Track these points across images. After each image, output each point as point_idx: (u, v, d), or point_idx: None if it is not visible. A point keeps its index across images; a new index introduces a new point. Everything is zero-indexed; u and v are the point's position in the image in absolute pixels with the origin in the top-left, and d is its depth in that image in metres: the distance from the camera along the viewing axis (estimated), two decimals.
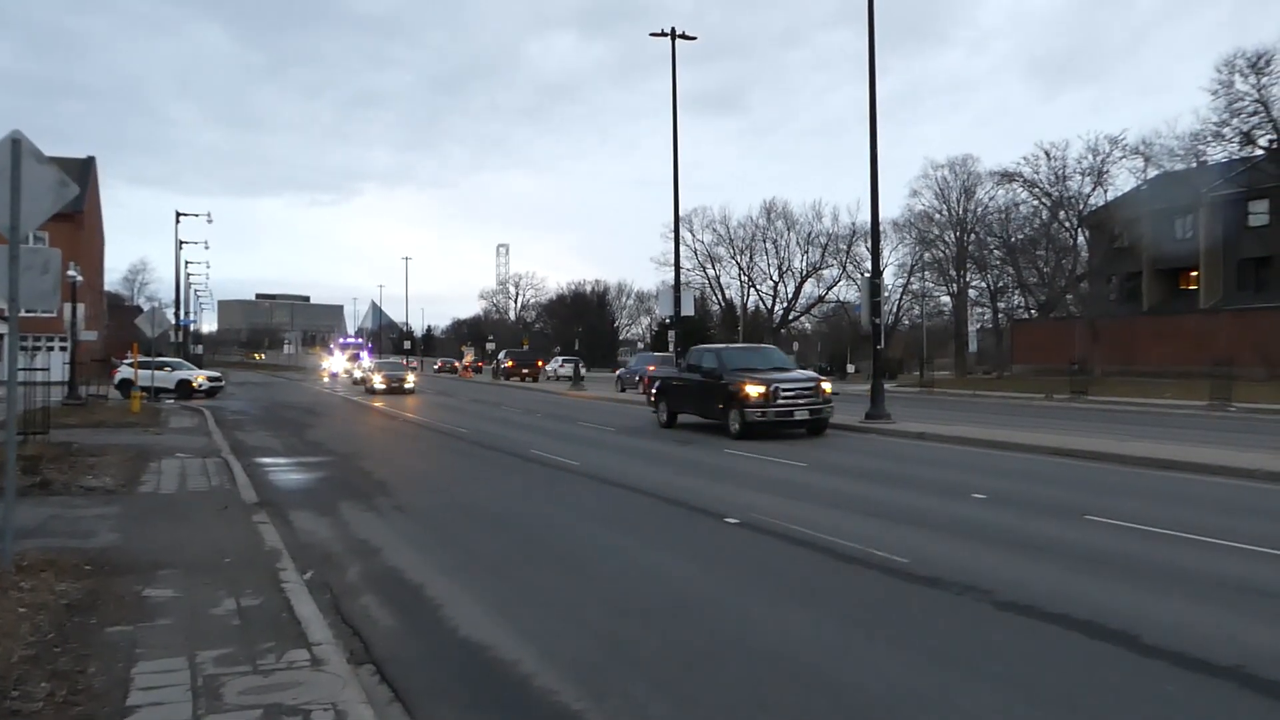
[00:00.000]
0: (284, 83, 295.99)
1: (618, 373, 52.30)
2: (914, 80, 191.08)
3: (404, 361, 69.14)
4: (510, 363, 68.10)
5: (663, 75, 38.22)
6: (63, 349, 42.82)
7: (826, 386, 22.49)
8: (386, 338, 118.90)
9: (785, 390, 21.37)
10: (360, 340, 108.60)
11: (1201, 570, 8.65)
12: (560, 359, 74.65)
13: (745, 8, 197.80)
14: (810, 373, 25.03)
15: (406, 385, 46.01)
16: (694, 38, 38.80)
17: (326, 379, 75.79)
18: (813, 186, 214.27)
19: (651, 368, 54.71)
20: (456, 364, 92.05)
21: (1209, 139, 48.28)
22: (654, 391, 26.53)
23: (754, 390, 21.11)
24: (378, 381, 45.83)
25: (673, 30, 37.94)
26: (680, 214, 41.25)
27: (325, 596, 7.84)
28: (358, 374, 61.25)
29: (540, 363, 70.79)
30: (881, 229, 29.68)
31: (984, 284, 71.53)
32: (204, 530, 10.17)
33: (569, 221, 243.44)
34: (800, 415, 21.51)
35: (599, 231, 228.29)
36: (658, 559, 9.51)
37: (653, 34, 38.30)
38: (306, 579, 8.16)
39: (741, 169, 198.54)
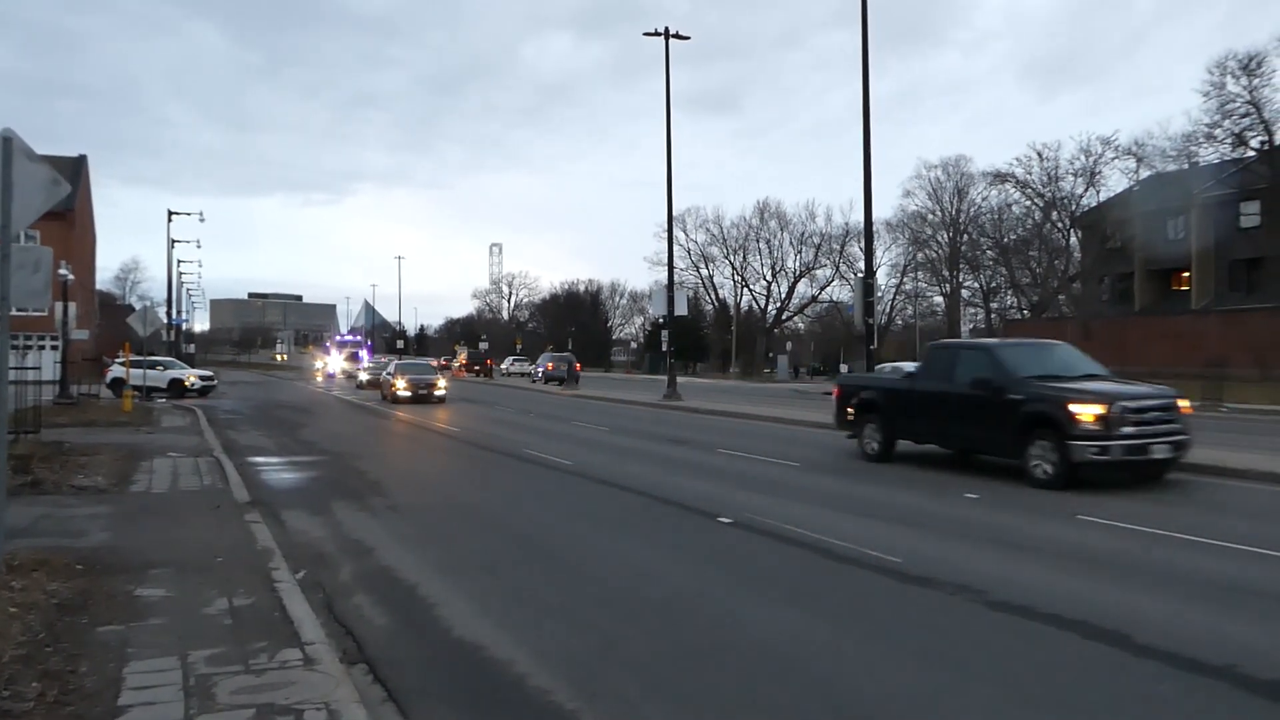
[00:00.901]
0: (280, 83, 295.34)
1: (534, 367, 61.10)
2: (911, 81, 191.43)
3: (432, 362, 61.00)
4: (463, 359, 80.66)
5: (660, 75, 38.31)
6: (54, 348, 42.61)
7: (1185, 403, 14.57)
8: (379, 337, 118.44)
9: (1135, 413, 13.52)
10: (359, 338, 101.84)
11: (1194, 570, 8.67)
12: (511, 358, 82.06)
13: (743, 8, 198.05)
14: (1158, 386, 15.66)
15: (437, 392, 36.90)
16: (687, 37, 38.85)
17: (321, 380, 72.32)
18: (809, 187, 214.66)
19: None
20: (433, 362, 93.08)
21: (1201, 140, 48.59)
22: (853, 407, 17.92)
23: (1086, 412, 13.29)
24: (401, 387, 36.49)
25: (666, 30, 38.00)
26: (674, 214, 41.28)
27: (318, 596, 7.82)
28: (363, 376, 52.57)
29: (490, 361, 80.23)
30: (875, 229, 29.70)
31: (977, 284, 71.80)
32: (196, 529, 10.14)
33: (563, 221, 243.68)
34: (1160, 453, 13.55)
35: (593, 231, 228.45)
36: (651, 558, 9.51)
37: (646, 33, 38.36)
38: (299, 578, 8.14)
39: (739, 169, 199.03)
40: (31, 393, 19.09)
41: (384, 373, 41.87)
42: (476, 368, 77.21)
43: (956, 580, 8.16)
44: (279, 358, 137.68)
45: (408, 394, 36.24)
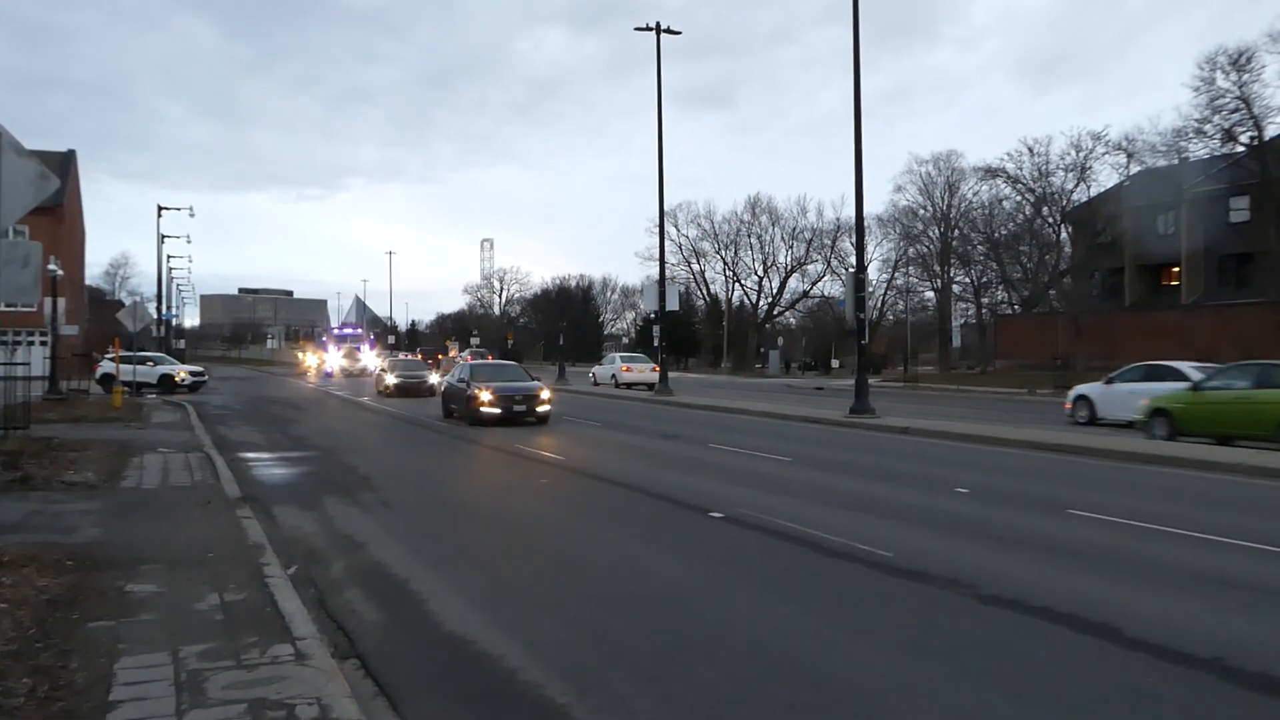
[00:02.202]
0: (272, 78, 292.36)
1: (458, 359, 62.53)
2: (905, 77, 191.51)
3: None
4: (454, 352, 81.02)
5: (653, 71, 38.25)
6: (43, 344, 42.49)
7: None
8: (370, 332, 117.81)
9: None
10: (358, 331, 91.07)
11: (1182, 563, 8.73)
12: (456, 354, 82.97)
13: (736, 5, 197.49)
14: None
15: (540, 408, 24.66)
16: (678, 32, 38.89)
17: (313, 376, 66.27)
18: (802, 183, 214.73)
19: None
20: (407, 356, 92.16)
21: (1191, 135, 48.57)
22: None
23: None
24: (486, 401, 24.13)
25: (657, 25, 38.04)
26: (665, 209, 41.28)
27: (309, 591, 7.81)
28: (391, 379, 39.02)
29: (440, 355, 79.25)
30: (866, 224, 29.77)
31: (968, 279, 71.83)
32: (187, 525, 10.11)
33: (556, 217, 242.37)
34: None
35: (585, 227, 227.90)
36: (643, 553, 9.52)
37: (637, 28, 38.44)
38: (290, 574, 8.13)
39: (732, 165, 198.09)
40: (21, 389, 19.02)
41: (449, 378, 28.71)
42: (429, 362, 77.11)
43: (947, 574, 8.19)
44: (301, 356, 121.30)
45: (496, 411, 24.04)
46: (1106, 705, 5.32)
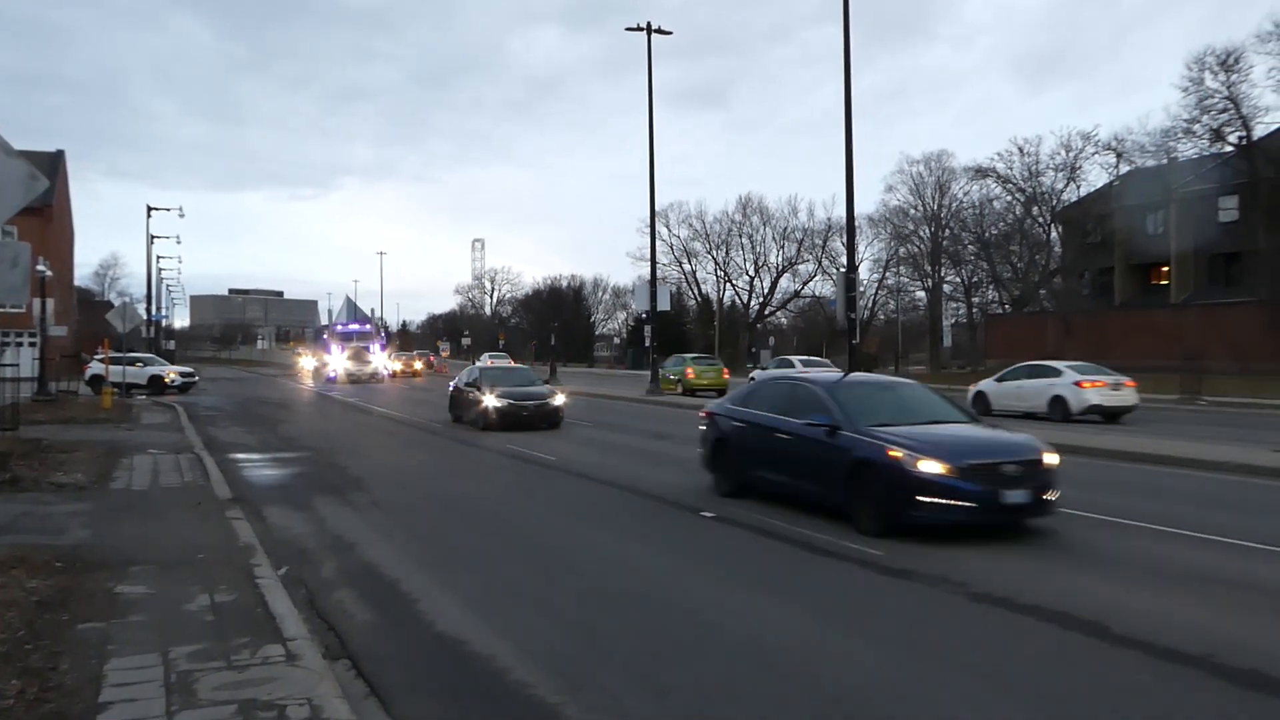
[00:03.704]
0: (267, 76, 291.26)
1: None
2: (900, 76, 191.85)
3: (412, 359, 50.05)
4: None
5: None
6: (32, 345, 42.32)
7: None
8: (379, 329, 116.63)
9: None
10: (365, 328, 73.01)
11: (1172, 561, 8.77)
12: (415, 352, 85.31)
13: (734, 3, 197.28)
14: None
15: (1047, 498, 9.91)
16: (669, 32, 38.83)
17: (310, 379, 60.26)
18: (797, 181, 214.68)
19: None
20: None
21: (1180, 135, 48.74)
22: None
23: None
24: (931, 473, 9.45)
25: (648, 25, 38.01)
26: (657, 209, 41.28)
27: (300, 592, 7.80)
28: (493, 400, 23.27)
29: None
30: (857, 224, 29.85)
31: (958, 279, 71.91)
32: (177, 526, 10.08)
33: (549, 217, 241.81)
34: None
35: (578, 227, 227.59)
36: (634, 552, 9.52)
37: (629, 29, 38.38)
38: (281, 574, 8.11)
39: (728, 164, 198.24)
40: (9, 390, 18.95)
41: (725, 406, 13.48)
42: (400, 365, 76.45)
43: (937, 572, 8.21)
44: (300, 357, 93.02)
45: (969, 504, 9.44)
46: (1096, 702, 5.33)
